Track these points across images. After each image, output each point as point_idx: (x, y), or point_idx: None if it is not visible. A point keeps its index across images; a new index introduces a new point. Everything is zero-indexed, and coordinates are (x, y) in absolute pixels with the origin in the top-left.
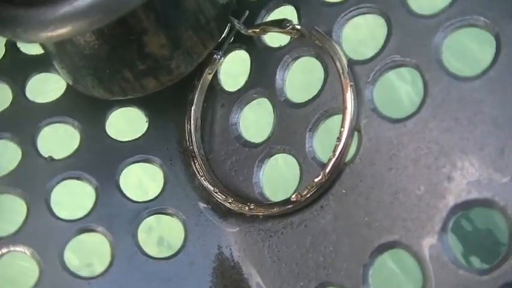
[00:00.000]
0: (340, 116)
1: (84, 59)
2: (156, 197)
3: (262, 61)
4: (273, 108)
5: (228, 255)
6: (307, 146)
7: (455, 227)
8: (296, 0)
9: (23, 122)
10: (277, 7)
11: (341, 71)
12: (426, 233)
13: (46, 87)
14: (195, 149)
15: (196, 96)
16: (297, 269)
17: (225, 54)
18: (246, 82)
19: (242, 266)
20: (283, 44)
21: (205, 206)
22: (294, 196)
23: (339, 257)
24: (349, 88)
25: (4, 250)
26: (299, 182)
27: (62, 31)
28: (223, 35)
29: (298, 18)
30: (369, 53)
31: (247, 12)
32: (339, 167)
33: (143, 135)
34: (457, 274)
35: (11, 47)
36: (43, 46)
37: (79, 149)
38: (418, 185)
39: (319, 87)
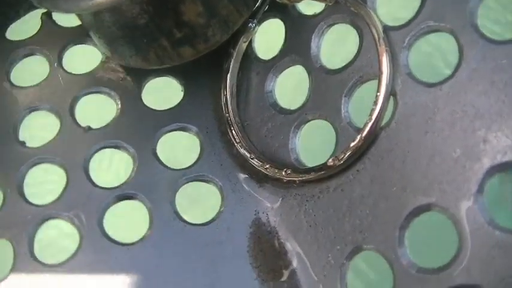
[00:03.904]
0: (375, 82)
1: (122, 29)
2: (193, 165)
3: (296, 29)
4: (308, 75)
5: (264, 221)
6: (343, 111)
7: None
8: None
9: (61, 93)
10: None
11: (376, 37)
12: (462, 195)
13: (82, 58)
14: (231, 117)
15: (231, 64)
16: (334, 233)
17: (259, 22)
18: (281, 50)
19: (279, 231)
20: (317, 12)
21: (242, 172)
22: (330, 161)
23: (375, 220)
24: (384, 53)
25: (45, 217)
26: (335, 147)
27: (102, 0)
28: (257, 3)
29: None
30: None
31: None
32: (375, 131)
33: (179, 103)
34: (493, 235)
35: (46, 19)
36: (80, 17)
37: (116, 119)
38: (454, 148)
39: (354, 53)
